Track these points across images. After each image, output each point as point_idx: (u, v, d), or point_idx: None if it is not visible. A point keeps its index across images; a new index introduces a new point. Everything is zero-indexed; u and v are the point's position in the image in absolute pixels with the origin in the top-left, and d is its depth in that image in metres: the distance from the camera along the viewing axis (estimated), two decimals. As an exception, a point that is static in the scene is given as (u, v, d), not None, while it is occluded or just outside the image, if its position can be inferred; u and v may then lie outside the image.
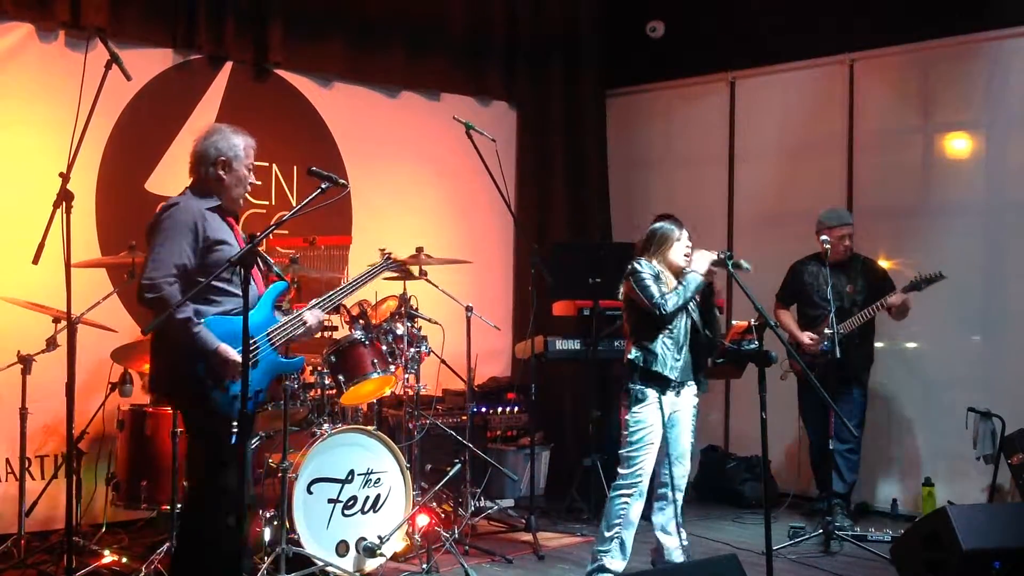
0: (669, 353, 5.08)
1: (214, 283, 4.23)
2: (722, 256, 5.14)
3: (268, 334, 4.45)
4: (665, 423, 5.06)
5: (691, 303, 5.18)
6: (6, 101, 6.15)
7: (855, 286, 6.69)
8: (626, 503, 5.10)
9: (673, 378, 5.08)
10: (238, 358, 4.16)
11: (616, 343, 6.86)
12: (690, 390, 5.24)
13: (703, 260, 5.13)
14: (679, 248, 5.19)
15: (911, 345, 7.27)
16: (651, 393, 5.05)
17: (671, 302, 5.01)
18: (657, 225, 5.28)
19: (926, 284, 6.42)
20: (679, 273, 5.16)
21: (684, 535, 5.30)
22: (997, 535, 5.09)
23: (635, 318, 5.17)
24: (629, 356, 5.13)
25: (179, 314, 4.14)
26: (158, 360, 4.41)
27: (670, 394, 5.10)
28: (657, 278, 5.09)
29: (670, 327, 5.09)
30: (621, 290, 5.25)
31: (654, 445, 5.06)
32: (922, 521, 5.62)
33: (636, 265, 5.14)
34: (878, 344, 7.14)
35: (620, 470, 5.14)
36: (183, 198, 4.41)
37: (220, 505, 4.25)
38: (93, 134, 5.30)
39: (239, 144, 4.50)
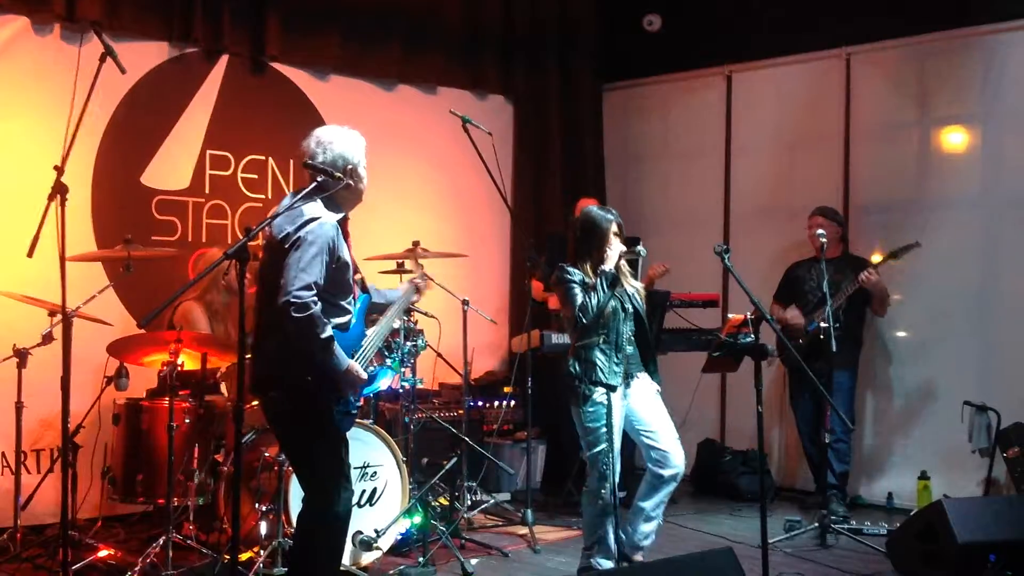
0: (608, 359, 5.03)
1: (329, 300, 4.23)
2: (628, 250, 5.15)
3: (364, 348, 4.48)
4: (612, 418, 4.96)
5: (636, 298, 5.17)
6: (1, 94, 6.13)
7: (843, 274, 6.73)
8: (600, 503, 5.05)
9: (615, 383, 5.02)
10: (365, 376, 4.30)
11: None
12: (643, 380, 5.19)
13: (614, 256, 5.09)
14: (607, 242, 5.12)
15: (907, 339, 7.27)
16: (597, 390, 4.99)
17: (591, 309, 4.95)
18: (588, 219, 5.20)
19: (903, 252, 6.53)
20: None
21: (659, 523, 5.27)
22: (993, 528, 5.12)
23: (570, 327, 5.15)
24: (569, 368, 5.09)
25: (323, 333, 4.13)
26: (281, 377, 4.26)
27: (616, 392, 5.02)
28: (583, 284, 5.04)
29: (605, 332, 5.05)
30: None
31: (613, 440, 4.96)
32: (918, 514, 5.65)
33: (561, 273, 5.10)
34: (874, 338, 7.17)
35: (589, 474, 5.10)
36: (322, 210, 4.25)
37: (330, 515, 4.33)
38: (89, 127, 5.31)
39: (360, 150, 4.44)
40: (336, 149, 4.36)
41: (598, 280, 5.01)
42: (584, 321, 4.97)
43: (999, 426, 6.55)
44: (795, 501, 7.29)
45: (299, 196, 4.22)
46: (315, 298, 4.09)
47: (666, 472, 5.10)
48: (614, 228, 5.16)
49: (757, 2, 8.11)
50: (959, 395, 6.73)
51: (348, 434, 5.20)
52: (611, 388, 4.98)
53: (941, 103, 7.29)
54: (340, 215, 4.32)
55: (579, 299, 4.99)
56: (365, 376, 4.31)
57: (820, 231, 6.47)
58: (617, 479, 5.01)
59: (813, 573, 5.58)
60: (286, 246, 4.13)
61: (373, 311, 4.78)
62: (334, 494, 4.32)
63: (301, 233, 4.13)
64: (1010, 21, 6.93)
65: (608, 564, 5.10)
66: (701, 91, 8.52)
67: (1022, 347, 6.75)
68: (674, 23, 8.59)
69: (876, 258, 6.91)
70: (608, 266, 5.05)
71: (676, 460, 5.12)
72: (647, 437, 5.14)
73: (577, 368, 5.06)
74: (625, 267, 5.22)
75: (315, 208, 4.24)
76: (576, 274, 5.08)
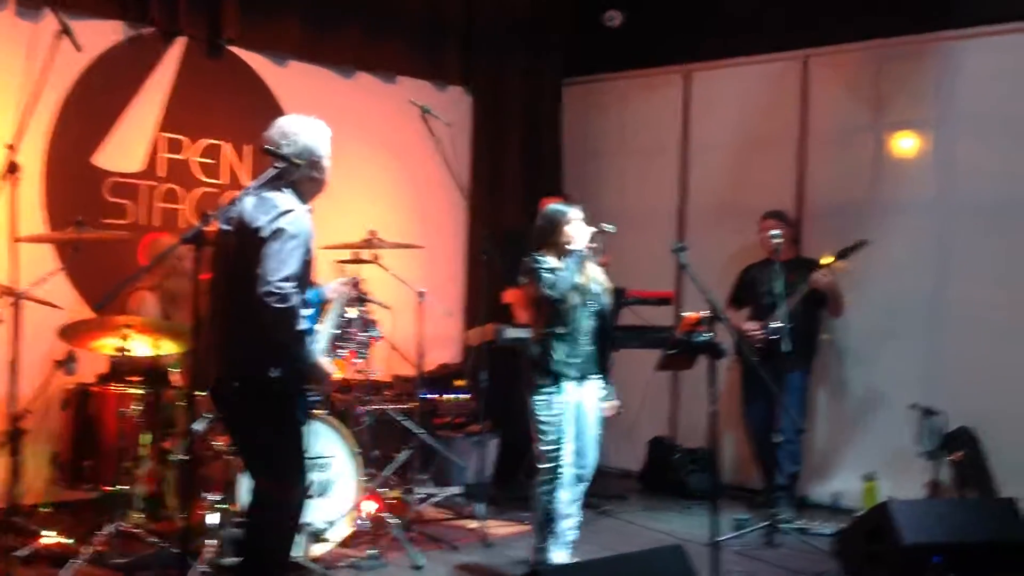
0: (565, 351, 5.14)
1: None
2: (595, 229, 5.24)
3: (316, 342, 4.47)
4: (567, 413, 5.10)
5: (602, 296, 5.26)
6: (-48, 70, 6.00)
7: (797, 276, 6.78)
8: (552, 496, 5.12)
9: (570, 375, 5.14)
10: (333, 370, 4.36)
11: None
12: (594, 383, 5.30)
13: (582, 236, 5.19)
14: (569, 230, 5.22)
15: (856, 341, 7.33)
16: (553, 382, 5.11)
17: (560, 285, 5.06)
18: (547, 212, 5.34)
19: (851, 252, 6.61)
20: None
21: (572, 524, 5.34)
22: (937, 530, 5.19)
23: (536, 313, 5.24)
24: (528, 352, 5.21)
25: (299, 325, 4.10)
26: (251, 368, 4.21)
27: (573, 384, 5.15)
28: (553, 271, 5.14)
29: (566, 323, 5.15)
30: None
31: (566, 432, 5.10)
32: (864, 515, 5.70)
33: (531, 261, 5.19)
34: (823, 338, 7.24)
35: (540, 465, 5.16)
36: (295, 202, 4.21)
37: (286, 507, 4.32)
38: (42, 105, 5.20)
39: (326, 141, 4.41)
40: (301, 141, 4.31)
41: (566, 260, 5.12)
42: (553, 295, 5.05)
43: (945, 430, 6.64)
44: (743, 500, 7.33)
45: (260, 183, 4.18)
46: (295, 289, 4.06)
47: (583, 472, 5.28)
48: (571, 216, 5.25)
49: (718, 2, 8.14)
50: (906, 398, 6.79)
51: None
52: (567, 378, 5.10)
53: (896, 108, 7.35)
54: (307, 206, 4.28)
55: (547, 278, 5.09)
56: (331, 370, 4.28)
57: (775, 231, 6.53)
58: (580, 474, 5.19)
59: (761, 572, 5.64)
60: (262, 236, 4.07)
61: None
62: (293, 485, 4.30)
63: (281, 224, 4.08)
64: (965, 28, 7.01)
65: (561, 556, 5.16)
66: (660, 89, 8.54)
67: (970, 351, 6.85)
68: (635, 20, 8.60)
69: (826, 259, 6.96)
70: (576, 246, 5.15)
71: (592, 462, 5.34)
72: (578, 438, 5.24)
73: (535, 351, 5.16)
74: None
75: (288, 199, 4.19)
76: (545, 261, 5.17)
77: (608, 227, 5.23)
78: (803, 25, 7.64)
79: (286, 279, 4.02)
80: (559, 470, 5.08)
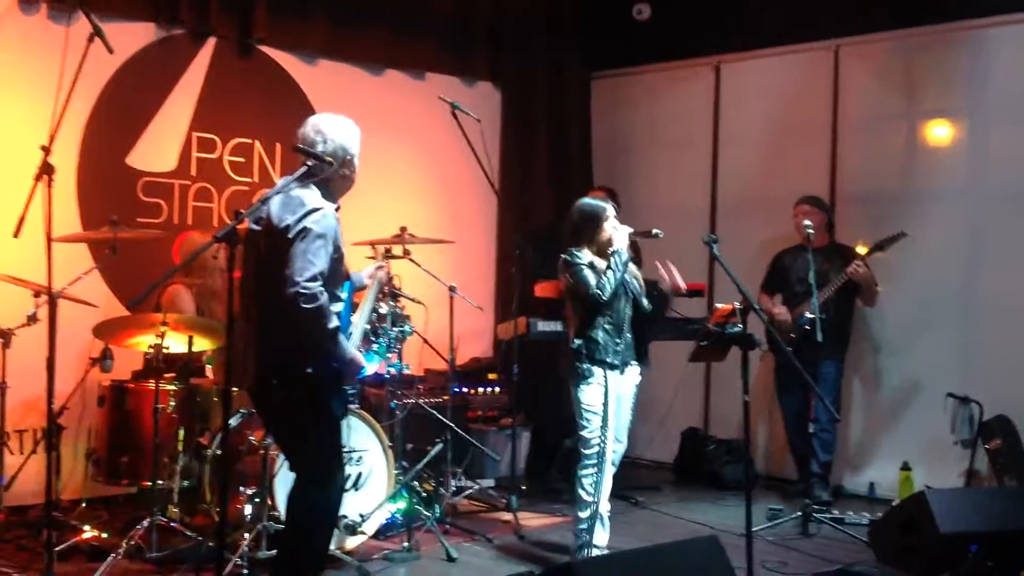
0: (610, 339, 5.19)
1: (327, 289, 4.16)
2: (643, 231, 5.29)
3: (352, 334, 4.53)
4: (609, 401, 5.14)
5: (634, 283, 5.33)
6: (-13, 73, 6.09)
7: (831, 264, 6.75)
8: (595, 481, 5.16)
9: (616, 363, 5.19)
10: (366, 364, 4.42)
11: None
12: (633, 369, 5.37)
13: (623, 236, 5.23)
14: (607, 227, 5.27)
15: (891, 330, 7.29)
16: (597, 371, 5.16)
17: (607, 287, 5.10)
18: (585, 207, 5.36)
19: (889, 244, 6.56)
20: (606, 250, 5.23)
21: (608, 507, 5.37)
22: (974, 519, 5.13)
23: (575, 307, 5.28)
24: (572, 345, 5.23)
25: (331, 323, 4.13)
26: (286, 366, 4.24)
27: (614, 373, 5.19)
28: (592, 266, 5.18)
29: (610, 313, 5.20)
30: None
31: (608, 420, 5.13)
32: (900, 505, 5.68)
33: (569, 257, 5.22)
34: (859, 330, 7.19)
35: (582, 449, 5.21)
36: (321, 200, 4.23)
37: (323, 501, 4.36)
38: (75, 107, 5.25)
39: (358, 141, 4.44)
40: (336, 140, 4.35)
41: (612, 258, 5.15)
42: (603, 299, 5.09)
43: (981, 418, 6.59)
44: (777, 489, 7.32)
45: (290, 180, 4.20)
46: (322, 288, 4.08)
47: (614, 457, 5.37)
48: (609, 212, 5.30)
49: (747, -7, 8.13)
50: (942, 387, 6.78)
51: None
52: (611, 367, 5.15)
53: (928, 96, 7.31)
54: (335, 204, 4.31)
55: (592, 279, 5.13)
56: (366, 364, 4.32)
57: (807, 221, 6.49)
58: (612, 458, 5.23)
59: (796, 562, 5.61)
60: (290, 236, 4.09)
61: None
62: (330, 480, 4.34)
63: (307, 223, 4.10)
64: (997, 16, 6.95)
65: (603, 539, 5.24)
66: (690, 81, 8.52)
67: (1005, 339, 6.79)
68: (663, 13, 8.58)
69: (862, 250, 6.91)
70: (618, 246, 5.19)
71: (624, 448, 5.48)
72: (613, 424, 5.28)
73: (579, 344, 5.18)
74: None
75: (314, 197, 4.21)
76: (583, 257, 5.20)
77: (657, 232, 5.26)
78: (833, 14, 7.59)
79: (313, 278, 4.05)
80: (603, 456, 5.13)
